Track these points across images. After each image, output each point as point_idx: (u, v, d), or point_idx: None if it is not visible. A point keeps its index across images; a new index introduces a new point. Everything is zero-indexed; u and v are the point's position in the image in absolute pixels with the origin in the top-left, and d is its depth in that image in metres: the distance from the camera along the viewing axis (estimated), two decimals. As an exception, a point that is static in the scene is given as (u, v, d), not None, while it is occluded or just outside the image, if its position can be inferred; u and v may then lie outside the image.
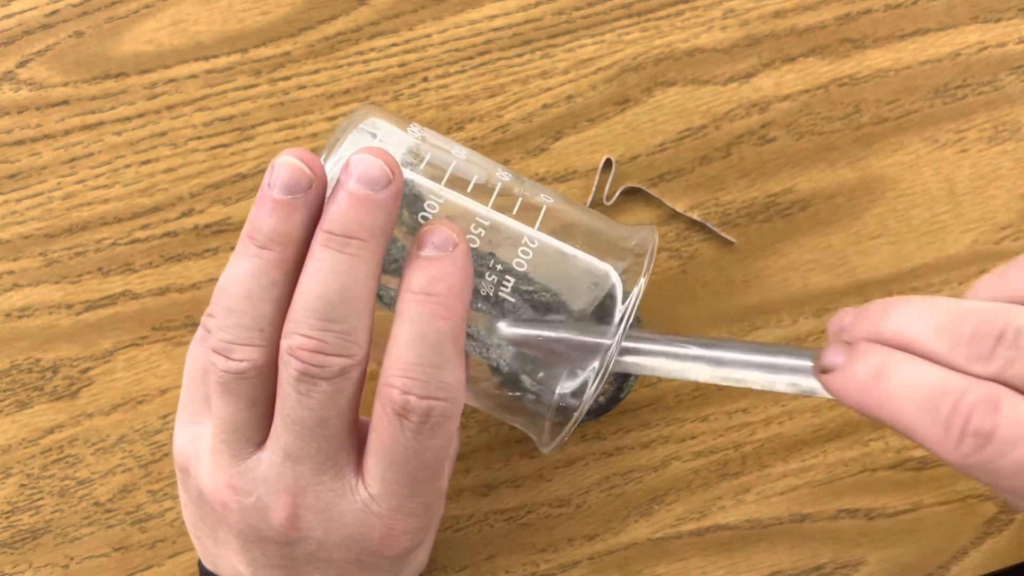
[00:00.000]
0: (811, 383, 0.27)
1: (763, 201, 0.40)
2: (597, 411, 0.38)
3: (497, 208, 0.29)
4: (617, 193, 0.39)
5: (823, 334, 0.39)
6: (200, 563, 0.33)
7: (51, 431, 0.39)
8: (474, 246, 0.28)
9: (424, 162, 0.29)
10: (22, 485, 0.39)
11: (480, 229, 0.29)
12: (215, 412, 0.28)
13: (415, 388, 0.26)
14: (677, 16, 0.40)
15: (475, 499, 0.39)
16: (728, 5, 0.40)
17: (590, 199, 0.39)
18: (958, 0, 0.40)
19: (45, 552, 0.39)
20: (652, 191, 0.39)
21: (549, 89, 0.40)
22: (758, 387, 0.28)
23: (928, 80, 0.40)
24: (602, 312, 0.29)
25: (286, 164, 0.26)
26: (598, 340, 0.28)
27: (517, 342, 0.29)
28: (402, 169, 0.28)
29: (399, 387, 0.26)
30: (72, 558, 0.39)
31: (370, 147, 0.27)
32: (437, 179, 0.29)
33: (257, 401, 0.28)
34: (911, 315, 0.25)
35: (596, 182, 0.39)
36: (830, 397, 0.27)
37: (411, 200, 0.29)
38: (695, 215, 0.39)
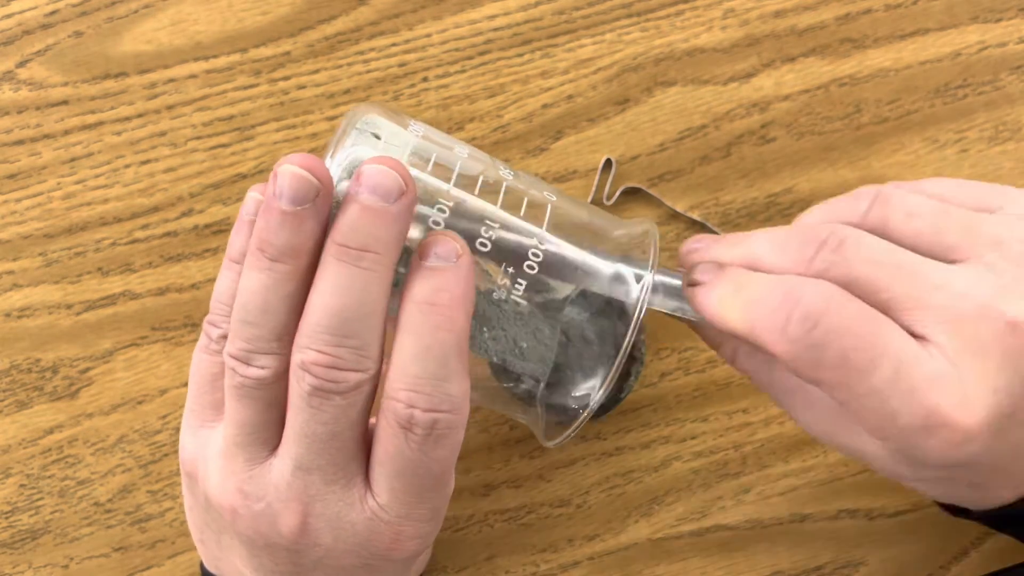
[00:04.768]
0: (673, 303, 0.29)
1: (763, 201, 0.40)
2: (597, 411, 0.38)
3: (505, 208, 0.29)
4: (617, 193, 0.39)
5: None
6: (202, 565, 0.33)
7: (51, 431, 0.39)
8: (485, 249, 0.28)
9: (431, 163, 0.29)
10: (22, 485, 0.39)
11: (491, 232, 0.28)
12: (230, 415, 0.28)
13: (420, 402, 0.26)
14: (677, 16, 0.40)
15: (475, 499, 0.39)
16: (728, 5, 0.40)
17: (590, 199, 0.39)
18: (958, 0, 0.40)
19: (45, 552, 0.39)
20: (652, 191, 0.39)
21: (549, 89, 0.40)
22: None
23: (928, 80, 0.40)
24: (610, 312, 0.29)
25: (291, 173, 0.26)
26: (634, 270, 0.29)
27: (554, 260, 0.29)
28: (411, 171, 0.27)
29: (404, 400, 0.26)
30: (72, 558, 0.39)
31: (382, 156, 0.27)
32: (445, 180, 0.29)
33: (273, 405, 0.28)
34: (756, 239, 0.28)
35: (596, 182, 0.39)
36: (682, 316, 0.29)
37: (421, 204, 0.28)
38: (695, 215, 0.39)
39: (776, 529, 0.39)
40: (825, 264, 0.26)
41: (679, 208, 0.39)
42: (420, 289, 0.26)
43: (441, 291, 0.26)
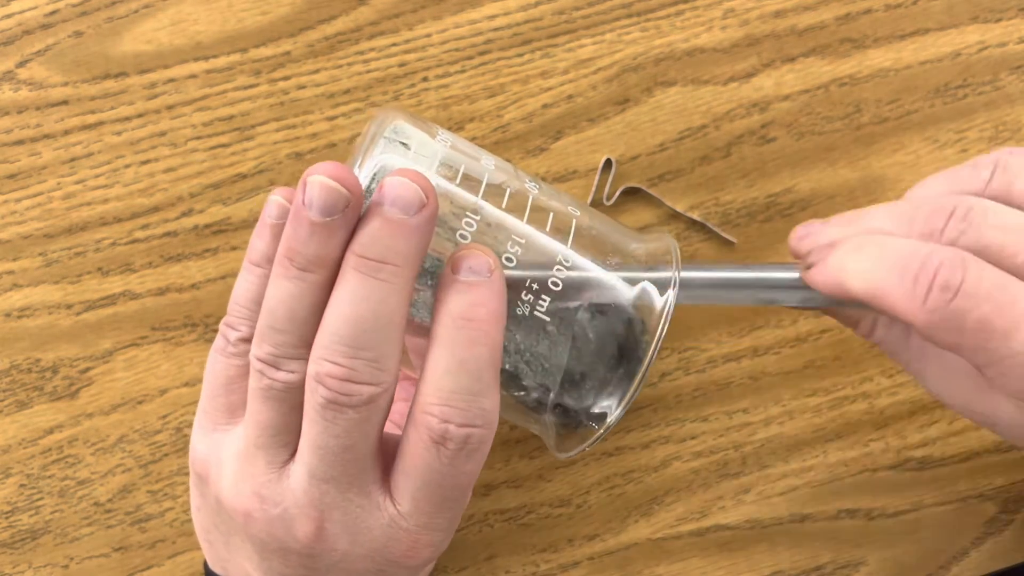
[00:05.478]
0: (799, 295, 0.29)
1: (763, 201, 0.40)
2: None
3: (531, 223, 0.29)
4: (617, 193, 0.39)
5: (823, 334, 0.39)
6: (206, 565, 0.33)
7: (51, 431, 0.39)
8: (511, 265, 0.28)
9: (459, 175, 0.28)
10: (22, 485, 0.39)
11: (516, 248, 0.28)
12: (253, 417, 0.28)
13: (454, 416, 0.26)
14: (677, 16, 0.40)
15: (475, 499, 0.39)
16: (728, 5, 0.40)
17: (590, 199, 0.39)
18: (958, 0, 0.40)
19: (45, 552, 0.39)
20: (652, 191, 0.39)
21: (549, 89, 0.40)
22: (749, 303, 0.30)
23: (928, 80, 0.40)
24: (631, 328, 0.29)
25: (320, 184, 0.25)
26: (658, 274, 0.29)
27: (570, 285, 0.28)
28: (440, 183, 0.27)
29: (438, 415, 0.26)
30: (72, 558, 0.39)
31: (405, 168, 0.27)
32: (473, 192, 0.28)
33: (296, 409, 0.28)
34: (874, 214, 0.28)
35: (596, 182, 0.39)
36: (814, 305, 0.29)
37: (450, 216, 0.28)
38: (695, 215, 0.39)
39: (776, 529, 0.39)
40: (955, 233, 0.26)
41: (679, 208, 0.39)
42: (455, 303, 0.26)
43: (477, 306, 0.26)
